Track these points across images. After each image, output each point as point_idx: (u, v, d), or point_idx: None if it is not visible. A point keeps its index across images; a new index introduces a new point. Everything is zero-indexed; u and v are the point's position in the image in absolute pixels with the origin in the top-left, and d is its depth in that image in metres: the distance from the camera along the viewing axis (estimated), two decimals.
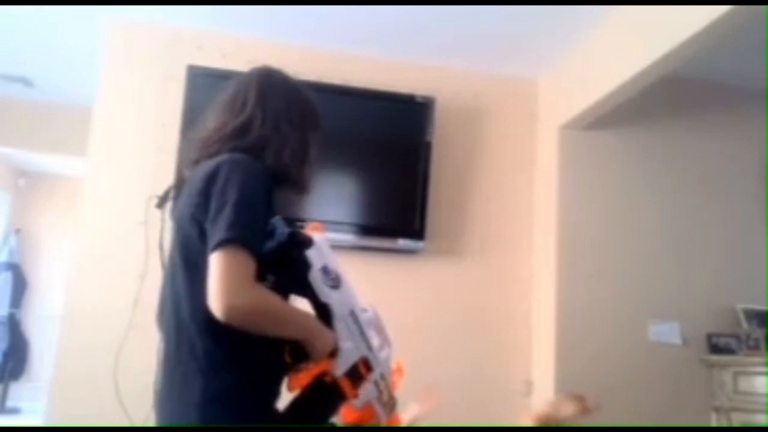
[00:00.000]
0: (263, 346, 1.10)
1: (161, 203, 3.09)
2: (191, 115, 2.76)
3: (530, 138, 3.24)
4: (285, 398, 1.14)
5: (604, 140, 3.06)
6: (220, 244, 1.02)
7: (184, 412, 1.09)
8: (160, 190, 2.84)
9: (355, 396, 1.12)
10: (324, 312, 1.12)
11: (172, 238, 1.17)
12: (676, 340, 2.92)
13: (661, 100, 2.98)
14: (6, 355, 5.85)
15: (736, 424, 2.74)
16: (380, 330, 1.22)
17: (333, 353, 1.11)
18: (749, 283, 3.00)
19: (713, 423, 2.82)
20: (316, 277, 1.10)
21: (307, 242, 1.10)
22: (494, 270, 3.10)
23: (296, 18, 2.79)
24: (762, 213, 3.06)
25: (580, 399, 1.29)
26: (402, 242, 2.93)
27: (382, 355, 1.20)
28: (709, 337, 2.92)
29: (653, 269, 2.97)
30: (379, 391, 1.16)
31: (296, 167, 1.24)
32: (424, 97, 2.98)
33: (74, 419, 2.57)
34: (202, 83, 2.78)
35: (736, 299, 2.99)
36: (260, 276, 1.05)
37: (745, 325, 2.93)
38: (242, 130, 1.22)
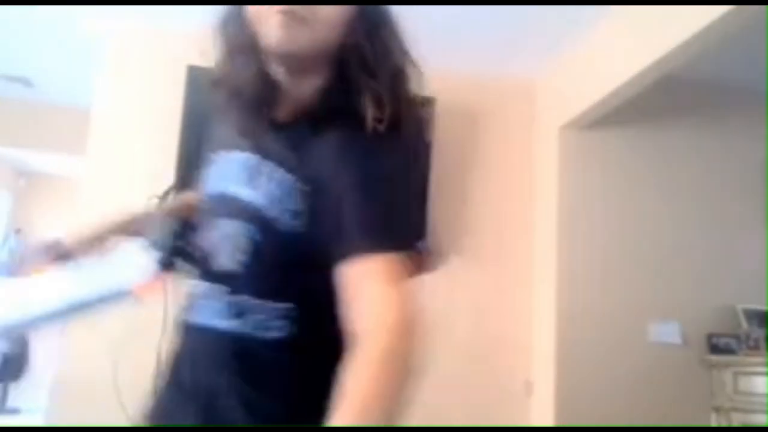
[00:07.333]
0: None
1: (161, 203, 3.09)
2: (191, 116, 2.76)
3: (530, 138, 3.24)
4: None
5: (604, 140, 3.06)
6: None
7: None
8: (160, 190, 2.87)
9: None
10: None
11: None
12: (676, 340, 2.92)
13: (661, 100, 2.98)
14: (6, 355, 5.85)
15: (736, 424, 2.74)
16: None
17: None
18: (749, 283, 3.00)
19: (713, 423, 2.82)
20: None
21: None
22: (494, 270, 3.10)
23: None
24: (762, 213, 3.06)
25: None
26: None
27: None
28: (709, 337, 2.92)
29: (653, 269, 2.97)
30: None
31: None
32: (423, 98, 2.97)
33: (74, 419, 2.57)
34: (203, 84, 2.78)
35: (736, 299, 2.99)
36: None
37: (745, 325, 2.93)
38: None
